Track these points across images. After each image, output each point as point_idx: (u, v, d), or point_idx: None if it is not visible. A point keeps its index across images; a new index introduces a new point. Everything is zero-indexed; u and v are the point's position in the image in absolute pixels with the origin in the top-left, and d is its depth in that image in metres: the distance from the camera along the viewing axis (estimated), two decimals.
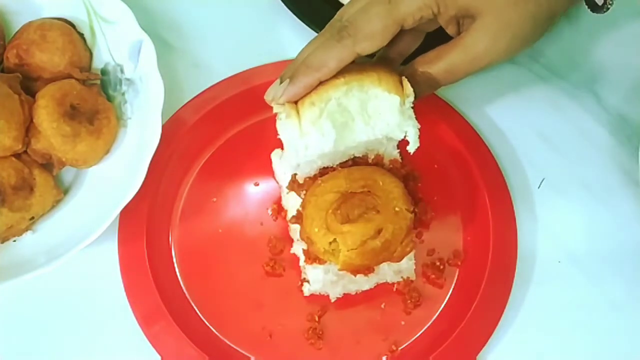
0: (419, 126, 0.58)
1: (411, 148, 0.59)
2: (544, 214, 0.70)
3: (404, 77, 0.59)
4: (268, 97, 0.59)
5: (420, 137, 0.58)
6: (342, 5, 0.70)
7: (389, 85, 0.58)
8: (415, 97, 0.59)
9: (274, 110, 0.60)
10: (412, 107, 0.58)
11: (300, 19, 0.70)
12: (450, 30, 0.59)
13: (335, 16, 0.60)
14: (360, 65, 0.60)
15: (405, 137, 0.59)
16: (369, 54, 0.58)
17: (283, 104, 0.59)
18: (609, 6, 0.62)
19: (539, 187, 0.72)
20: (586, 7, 0.65)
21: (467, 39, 0.57)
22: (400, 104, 0.58)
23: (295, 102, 0.59)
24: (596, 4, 0.64)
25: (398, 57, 0.64)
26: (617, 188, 0.72)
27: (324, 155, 0.59)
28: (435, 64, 0.58)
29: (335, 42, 0.57)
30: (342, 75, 0.58)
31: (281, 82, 0.59)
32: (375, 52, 0.58)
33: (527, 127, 0.73)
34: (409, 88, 0.58)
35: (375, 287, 0.66)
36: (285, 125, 0.59)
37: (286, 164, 0.64)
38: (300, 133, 0.57)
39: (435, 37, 0.63)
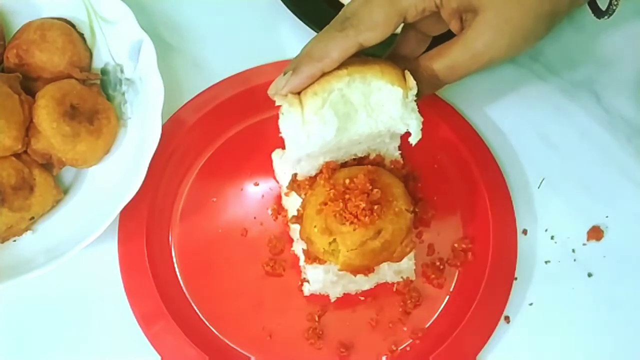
0: (422, 119, 0.58)
1: (413, 140, 0.58)
2: (544, 214, 0.70)
3: (406, 71, 0.59)
4: (271, 90, 0.59)
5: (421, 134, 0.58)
6: (342, 5, 0.71)
7: (392, 77, 0.58)
8: (417, 96, 0.58)
9: (277, 103, 0.59)
10: (415, 100, 0.58)
11: (300, 19, 0.70)
12: (454, 26, 0.59)
13: (340, 12, 0.60)
14: (363, 58, 0.59)
15: (407, 130, 0.58)
16: (371, 45, 0.57)
17: (286, 95, 0.58)
18: (612, 12, 0.62)
19: (539, 187, 0.72)
20: (590, 11, 0.64)
21: (468, 34, 0.57)
22: (403, 96, 0.57)
23: (298, 94, 0.59)
24: (599, 8, 0.64)
25: (403, 61, 0.64)
26: (616, 188, 0.72)
27: (326, 146, 0.58)
28: (437, 61, 0.58)
29: (337, 33, 0.57)
30: (344, 67, 0.58)
31: (284, 75, 0.59)
32: (378, 43, 0.58)
33: (527, 127, 0.73)
34: (411, 81, 0.58)
35: (375, 287, 0.66)
36: (288, 116, 0.58)
37: (288, 160, 0.63)
38: (303, 122, 0.57)
39: (442, 42, 0.62)
